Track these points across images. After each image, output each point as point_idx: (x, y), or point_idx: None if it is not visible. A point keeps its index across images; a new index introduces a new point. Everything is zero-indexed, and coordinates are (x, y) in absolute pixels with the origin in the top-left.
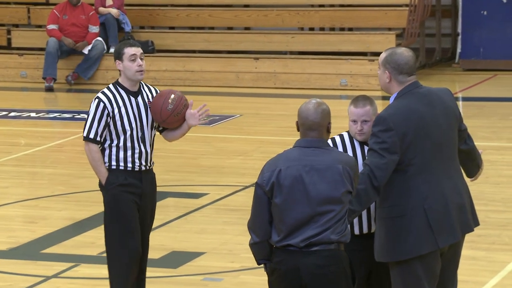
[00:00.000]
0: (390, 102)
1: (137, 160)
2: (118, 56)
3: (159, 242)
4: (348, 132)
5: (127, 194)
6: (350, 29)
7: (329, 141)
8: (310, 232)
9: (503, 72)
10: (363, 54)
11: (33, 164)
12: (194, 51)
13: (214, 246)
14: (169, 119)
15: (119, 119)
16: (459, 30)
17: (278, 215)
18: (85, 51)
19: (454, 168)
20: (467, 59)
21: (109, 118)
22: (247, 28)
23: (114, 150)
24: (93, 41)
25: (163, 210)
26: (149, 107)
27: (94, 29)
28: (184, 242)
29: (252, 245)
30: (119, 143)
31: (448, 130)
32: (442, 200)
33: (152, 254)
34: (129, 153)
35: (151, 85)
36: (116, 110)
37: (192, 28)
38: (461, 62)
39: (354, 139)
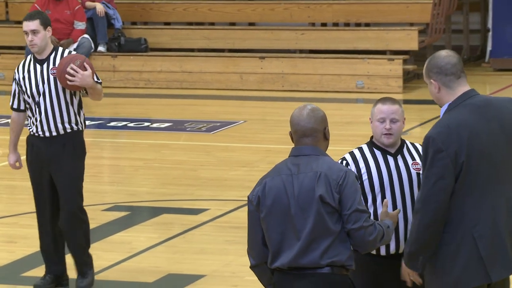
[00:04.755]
0: (440, 116)
1: (39, 128)
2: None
3: (154, 264)
4: (367, 144)
5: (34, 162)
6: (367, 25)
7: (348, 156)
8: (295, 252)
9: None
10: (382, 52)
11: (11, 177)
12: (192, 50)
13: (216, 268)
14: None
15: (23, 85)
16: (490, 25)
17: (265, 232)
18: (71, 50)
19: None
20: (498, 58)
21: (17, 86)
22: (251, 24)
23: (28, 116)
24: (79, 39)
25: (158, 228)
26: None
27: (80, 25)
28: (181, 264)
29: (252, 269)
30: (29, 110)
31: (506, 148)
32: (495, 228)
33: (146, 277)
34: (32, 120)
35: (78, 53)
36: (21, 77)
37: (190, 23)
38: (492, 62)
39: (374, 149)
